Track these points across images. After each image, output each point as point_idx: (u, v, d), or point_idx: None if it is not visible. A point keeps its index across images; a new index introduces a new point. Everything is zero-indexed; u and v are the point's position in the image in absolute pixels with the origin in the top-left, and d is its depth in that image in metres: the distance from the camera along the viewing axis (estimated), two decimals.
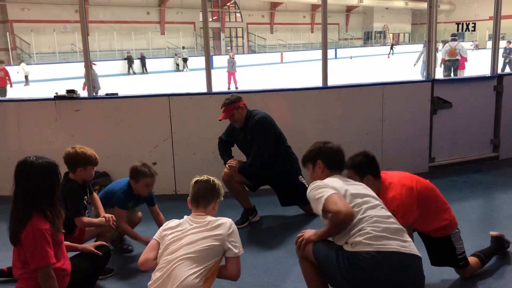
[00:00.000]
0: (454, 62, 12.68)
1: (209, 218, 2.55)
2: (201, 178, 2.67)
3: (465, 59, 13.69)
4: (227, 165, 4.19)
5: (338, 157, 2.72)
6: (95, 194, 3.44)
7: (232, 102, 4.09)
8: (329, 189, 2.42)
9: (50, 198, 2.45)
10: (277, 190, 4.34)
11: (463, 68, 13.73)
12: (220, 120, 4.16)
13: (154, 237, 2.59)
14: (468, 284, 2.99)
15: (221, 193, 2.69)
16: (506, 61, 16.04)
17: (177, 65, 29.38)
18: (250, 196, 4.28)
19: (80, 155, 3.18)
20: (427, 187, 2.89)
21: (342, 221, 2.32)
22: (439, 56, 13.93)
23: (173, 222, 2.58)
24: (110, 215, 3.24)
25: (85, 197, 3.29)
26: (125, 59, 28.12)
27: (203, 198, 2.62)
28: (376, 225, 2.31)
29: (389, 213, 2.43)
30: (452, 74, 12.62)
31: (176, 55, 29.50)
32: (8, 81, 14.28)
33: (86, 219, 3.21)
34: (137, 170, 3.53)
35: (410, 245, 2.32)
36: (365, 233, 2.29)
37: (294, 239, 3.75)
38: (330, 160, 2.69)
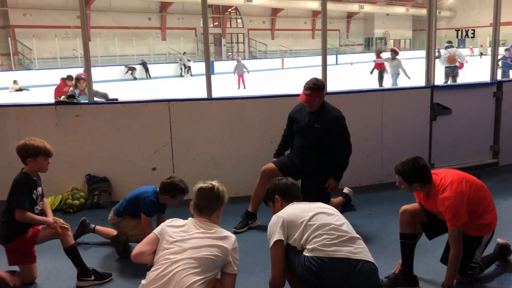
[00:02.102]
0: (454, 69, 12.70)
1: (216, 227, 2.54)
2: (205, 185, 2.61)
3: (462, 65, 13.71)
4: (272, 163, 4.23)
5: (293, 190, 2.98)
6: (45, 199, 3.42)
7: (320, 89, 4.08)
8: (277, 234, 2.66)
9: None
10: (303, 186, 4.20)
11: (458, 74, 13.74)
12: (300, 100, 4.13)
13: (154, 231, 2.54)
14: None
15: (225, 200, 2.65)
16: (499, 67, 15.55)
17: (181, 69, 29.41)
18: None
19: (29, 146, 3.17)
20: (477, 187, 2.92)
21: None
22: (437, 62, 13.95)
23: (178, 221, 2.55)
24: (60, 219, 3.21)
25: (35, 191, 3.22)
26: (139, 64, 28.38)
27: (206, 207, 2.58)
28: (331, 232, 2.57)
29: (345, 221, 2.73)
30: (451, 81, 12.61)
31: (181, 60, 29.55)
32: None
33: (28, 213, 3.11)
34: (176, 186, 3.57)
35: (362, 252, 2.56)
36: (320, 240, 2.54)
37: None
38: (285, 194, 2.94)
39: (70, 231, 3.23)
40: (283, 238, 2.64)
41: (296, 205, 2.85)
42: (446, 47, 12.94)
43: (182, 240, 2.42)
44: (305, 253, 2.55)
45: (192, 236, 2.44)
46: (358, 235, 2.66)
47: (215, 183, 2.63)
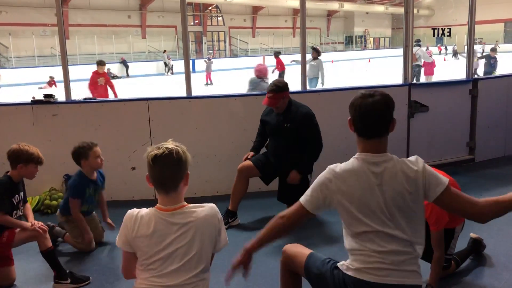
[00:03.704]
0: (414, 68, 12.74)
1: (188, 209, 2.00)
2: (161, 151, 1.95)
3: (433, 64, 13.81)
4: (248, 156, 4.26)
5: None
6: (27, 204, 3.39)
7: (282, 90, 4.11)
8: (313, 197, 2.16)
9: None
10: (281, 182, 4.33)
11: (431, 73, 13.85)
12: (264, 104, 4.19)
13: (125, 248, 2.00)
14: (442, 284, 3.04)
15: (188, 161, 2.02)
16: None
17: (167, 66, 29.25)
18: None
19: (22, 152, 3.14)
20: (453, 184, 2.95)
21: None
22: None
23: (144, 227, 1.95)
24: (40, 222, 3.19)
25: (16, 196, 3.19)
26: (120, 62, 28.27)
27: (171, 180, 1.98)
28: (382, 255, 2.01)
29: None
30: (415, 80, 12.69)
31: (169, 58, 29.40)
32: None
33: (6, 216, 3.07)
34: (80, 148, 3.62)
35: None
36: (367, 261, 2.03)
37: (273, 243, 3.80)
38: (356, 121, 2.23)
39: (47, 234, 3.19)
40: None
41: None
42: (415, 45, 13.07)
43: (163, 258, 1.94)
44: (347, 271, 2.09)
45: (173, 246, 1.95)
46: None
47: (170, 144, 2.00)
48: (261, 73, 6.63)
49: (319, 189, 2.13)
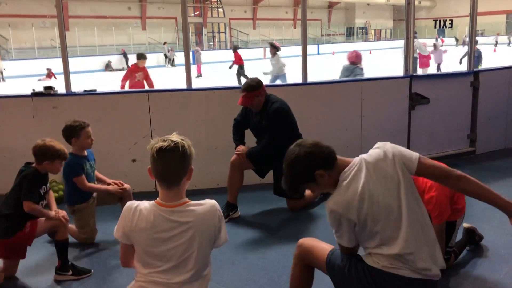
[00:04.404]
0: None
1: (187, 206, 1.96)
2: (166, 144, 1.91)
3: (429, 57, 13.78)
4: (235, 152, 4.21)
5: (326, 152, 2.16)
6: (51, 192, 3.40)
7: (254, 89, 4.06)
8: (344, 234, 2.12)
9: None
10: (276, 176, 4.32)
11: (427, 65, 13.79)
12: (239, 104, 4.17)
13: (123, 240, 1.99)
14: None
15: (193, 155, 2.00)
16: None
17: (168, 58, 29.17)
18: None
19: (49, 148, 3.15)
20: None
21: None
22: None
23: (143, 221, 1.93)
24: (63, 211, 3.24)
25: (44, 187, 3.23)
26: (120, 54, 28.22)
27: (174, 175, 1.94)
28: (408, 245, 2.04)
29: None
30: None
31: (172, 50, 29.31)
32: None
33: (34, 205, 3.12)
34: (71, 127, 3.62)
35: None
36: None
37: (274, 235, 3.81)
38: (325, 161, 2.13)
39: (68, 224, 3.26)
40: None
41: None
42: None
43: (162, 254, 1.93)
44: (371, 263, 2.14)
45: (172, 242, 1.92)
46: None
47: (175, 137, 1.95)
48: (357, 59, 6.47)
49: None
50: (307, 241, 2.40)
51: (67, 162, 3.43)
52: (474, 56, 13.04)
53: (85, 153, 3.79)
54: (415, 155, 2.14)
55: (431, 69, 14.20)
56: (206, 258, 2.02)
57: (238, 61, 15.65)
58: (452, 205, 2.98)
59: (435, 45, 15.39)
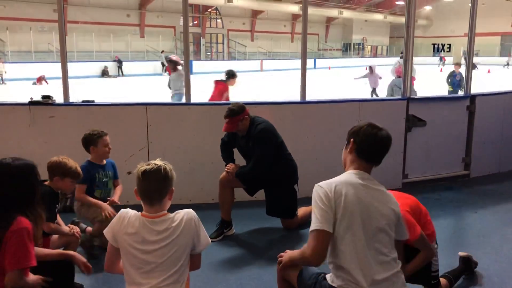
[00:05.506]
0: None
1: (168, 216, 2.23)
2: (150, 167, 2.22)
3: (414, 78, 13.44)
4: (225, 170, 4.20)
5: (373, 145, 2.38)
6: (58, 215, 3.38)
7: (237, 113, 4.04)
8: (317, 221, 2.19)
9: (31, 200, 2.38)
10: (268, 196, 4.33)
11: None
12: (224, 131, 4.17)
13: (111, 241, 2.25)
14: None
15: (174, 178, 2.29)
16: (450, 89, 12.13)
17: (165, 66, 29.22)
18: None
19: (61, 164, 3.17)
20: (415, 200, 2.95)
21: (309, 263, 2.31)
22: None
23: (130, 226, 2.20)
24: (75, 226, 3.28)
25: (57, 205, 3.25)
26: (114, 61, 28.27)
27: (156, 192, 2.22)
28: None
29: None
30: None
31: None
32: None
33: (54, 225, 3.17)
34: (89, 136, 3.74)
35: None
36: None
37: (268, 255, 3.79)
38: (362, 144, 2.38)
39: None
40: None
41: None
42: (401, 57, 12.42)
43: (143, 257, 2.18)
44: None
45: (153, 247, 2.18)
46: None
47: (159, 162, 2.26)
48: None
49: None
50: (286, 256, 2.46)
51: (82, 166, 3.48)
52: (456, 80, 11.92)
53: (104, 162, 3.87)
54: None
55: (366, 94, 13.34)
56: (185, 261, 2.24)
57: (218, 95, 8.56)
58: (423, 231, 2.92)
59: (371, 68, 13.75)
